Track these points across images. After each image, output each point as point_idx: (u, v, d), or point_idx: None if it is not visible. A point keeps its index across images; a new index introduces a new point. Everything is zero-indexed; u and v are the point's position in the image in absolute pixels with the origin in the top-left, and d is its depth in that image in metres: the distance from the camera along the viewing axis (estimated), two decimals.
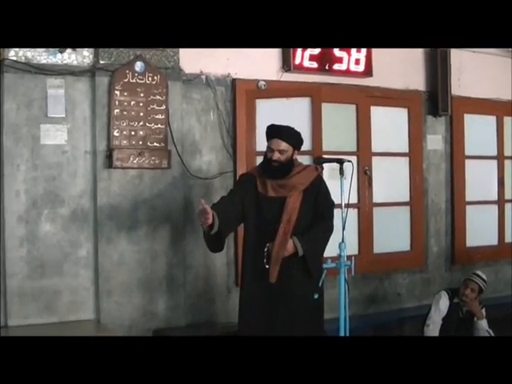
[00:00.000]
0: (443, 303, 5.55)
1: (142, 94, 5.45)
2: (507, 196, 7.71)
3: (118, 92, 5.37)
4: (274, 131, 4.62)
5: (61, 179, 5.30)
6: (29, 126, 5.18)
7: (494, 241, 7.67)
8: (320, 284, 4.36)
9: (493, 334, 5.46)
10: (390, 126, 6.91)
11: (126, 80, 5.40)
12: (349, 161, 4.44)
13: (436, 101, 7.03)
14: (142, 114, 5.45)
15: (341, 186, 4.28)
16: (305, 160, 5.41)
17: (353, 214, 6.49)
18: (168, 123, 5.55)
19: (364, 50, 6.43)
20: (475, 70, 7.22)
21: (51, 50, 5.20)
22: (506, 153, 7.69)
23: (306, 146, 6.02)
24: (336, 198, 4.55)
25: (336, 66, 6.35)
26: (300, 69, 6.19)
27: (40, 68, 5.18)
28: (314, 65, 6.24)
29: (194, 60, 5.71)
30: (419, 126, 7.05)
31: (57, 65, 5.24)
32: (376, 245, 6.79)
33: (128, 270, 5.46)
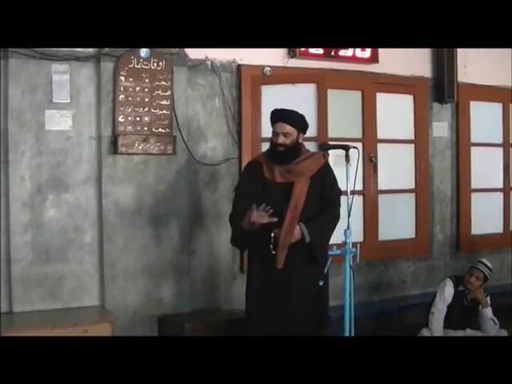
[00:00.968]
0: (448, 291, 5.53)
1: (147, 80, 5.43)
2: None
3: (122, 78, 5.35)
4: (278, 115, 4.61)
5: (65, 165, 5.29)
6: (33, 112, 5.17)
7: (499, 229, 7.66)
8: (325, 271, 4.35)
9: (497, 322, 5.46)
10: (395, 113, 6.89)
11: (131, 66, 5.38)
12: (354, 147, 4.42)
13: (442, 88, 7.00)
14: (147, 100, 5.43)
15: (346, 173, 4.27)
16: (310, 146, 5.39)
17: (358, 201, 6.48)
18: (173, 109, 5.53)
19: None
20: (481, 57, 7.17)
21: None
22: None
23: (312, 132, 6.03)
24: (341, 184, 4.55)
25: (342, 53, 6.32)
26: (305, 55, 6.17)
27: (44, 54, 5.15)
28: (320, 51, 6.21)
29: None
30: (425, 112, 7.03)
31: (61, 50, 5.20)
32: (381, 232, 6.79)
33: (132, 256, 5.45)
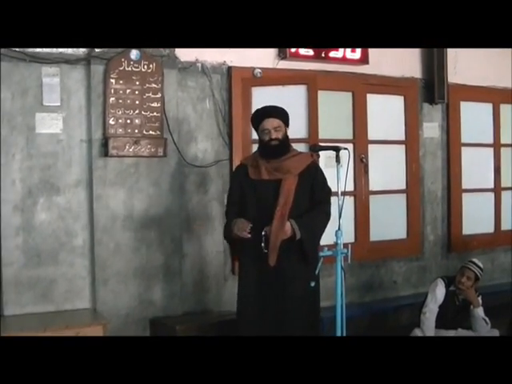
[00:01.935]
0: (439, 291, 5.54)
1: (137, 82, 5.43)
2: (503, 184, 7.71)
3: (113, 80, 5.34)
4: (263, 112, 4.66)
5: (56, 168, 5.29)
6: (24, 115, 5.16)
7: (491, 228, 7.67)
8: (316, 272, 4.36)
9: (489, 322, 5.46)
10: (386, 114, 6.90)
11: (121, 68, 5.38)
12: (345, 148, 4.42)
13: (432, 88, 7.02)
14: (137, 102, 5.43)
15: (337, 174, 4.27)
16: (301, 147, 5.42)
17: (349, 201, 6.51)
18: (164, 111, 5.53)
19: None
20: (471, 58, 7.19)
21: None
22: (503, 140, 7.68)
23: (302, 133, 6.07)
24: (332, 185, 4.55)
25: (332, 54, 6.32)
26: (296, 56, 6.17)
27: (35, 56, 5.15)
28: (310, 52, 6.21)
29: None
30: (415, 113, 7.04)
31: (52, 53, 5.21)
32: (372, 233, 6.79)
33: (124, 258, 5.45)
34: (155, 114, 5.49)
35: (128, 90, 5.40)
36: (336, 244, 4.26)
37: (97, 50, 5.29)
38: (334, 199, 4.49)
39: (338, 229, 4.28)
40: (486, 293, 5.87)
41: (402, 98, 7.00)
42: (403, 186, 7.03)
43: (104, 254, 5.39)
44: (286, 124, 4.68)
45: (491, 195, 7.67)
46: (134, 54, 5.40)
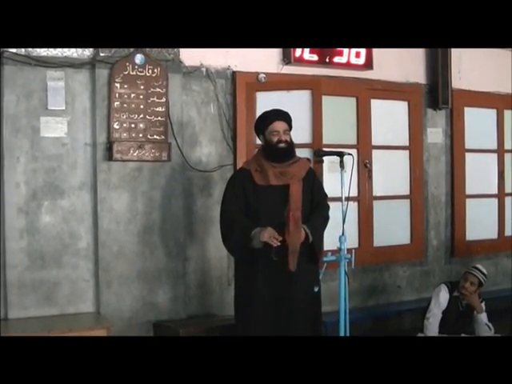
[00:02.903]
0: (443, 296, 5.54)
1: (142, 87, 5.44)
2: (507, 189, 7.72)
3: (117, 84, 5.35)
4: (275, 114, 4.70)
5: (60, 171, 5.30)
6: (28, 118, 5.17)
7: (494, 234, 7.68)
8: (320, 277, 4.37)
9: (492, 328, 5.47)
10: (390, 119, 6.91)
11: (126, 72, 5.39)
12: (349, 154, 4.44)
13: (436, 94, 7.03)
14: (142, 107, 5.44)
15: (341, 179, 4.28)
16: (305, 153, 5.43)
17: (353, 207, 6.50)
18: (168, 116, 5.54)
19: None
20: (475, 63, 7.21)
21: None
22: (506, 146, 7.70)
23: (306, 138, 6.07)
24: (336, 191, 4.55)
25: (336, 59, 6.34)
26: (300, 61, 6.19)
27: (40, 60, 5.16)
28: (315, 57, 6.23)
29: (194, 52, 5.67)
30: (419, 118, 7.05)
31: (57, 57, 5.22)
32: (376, 238, 6.79)
33: (128, 261, 5.46)
34: (159, 118, 5.50)
35: (132, 95, 5.41)
36: (340, 249, 4.28)
37: (101, 54, 5.31)
38: (337, 204, 4.48)
39: (342, 234, 4.29)
40: (490, 298, 5.89)
41: (406, 103, 7.01)
42: (407, 191, 7.03)
43: (108, 256, 5.40)
44: (291, 129, 4.73)
45: (495, 201, 7.68)
46: (139, 58, 5.42)
